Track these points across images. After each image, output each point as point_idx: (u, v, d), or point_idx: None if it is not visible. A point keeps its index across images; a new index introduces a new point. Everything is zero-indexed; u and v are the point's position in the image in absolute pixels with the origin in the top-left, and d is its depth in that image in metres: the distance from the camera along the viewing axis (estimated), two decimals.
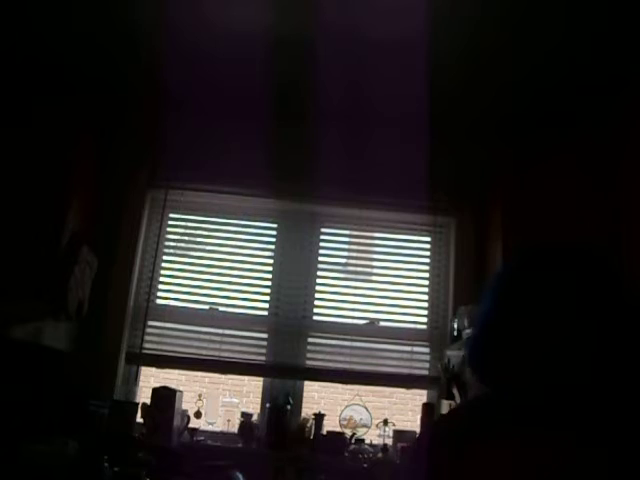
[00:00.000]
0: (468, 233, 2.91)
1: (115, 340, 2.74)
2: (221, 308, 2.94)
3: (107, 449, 2.24)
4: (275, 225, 3.05)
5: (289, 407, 2.68)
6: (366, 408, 2.86)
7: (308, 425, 2.70)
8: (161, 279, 2.95)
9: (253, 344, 2.89)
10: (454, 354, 2.66)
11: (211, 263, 2.99)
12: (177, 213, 3.03)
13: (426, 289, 2.99)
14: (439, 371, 2.71)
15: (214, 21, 2.31)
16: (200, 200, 3.01)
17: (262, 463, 2.51)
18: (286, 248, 2.99)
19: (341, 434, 2.71)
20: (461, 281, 2.86)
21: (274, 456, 2.56)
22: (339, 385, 3.14)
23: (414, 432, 2.72)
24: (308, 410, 2.83)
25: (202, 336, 2.87)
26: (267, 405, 2.71)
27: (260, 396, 2.89)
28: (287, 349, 2.86)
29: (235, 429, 2.73)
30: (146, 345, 2.82)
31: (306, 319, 2.92)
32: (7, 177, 2.36)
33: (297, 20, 2.26)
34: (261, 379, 2.94)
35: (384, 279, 3.01)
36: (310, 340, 2.90)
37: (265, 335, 2.90)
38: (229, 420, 2.84)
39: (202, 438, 2.71)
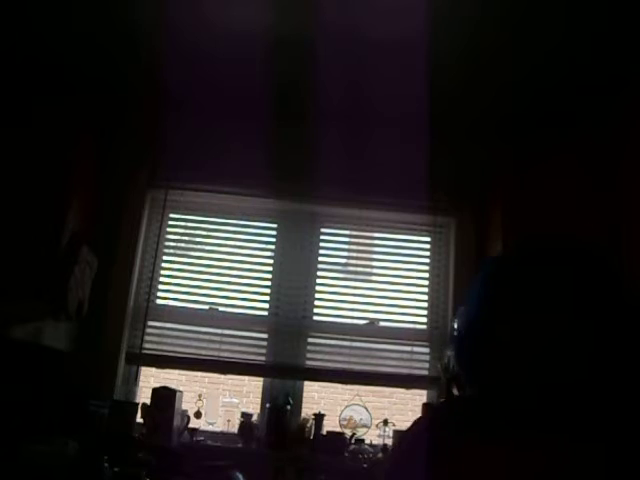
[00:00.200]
0: (468, 233, 2.91)
1: (115, 340, 2.74)
2: (221, 308, 2.94)
3: (107, 449, 2.24)
4: (275, 225, 3.05)
5: (289, 407, 2.68)
6: (366, 408, 2.86)
7: (308, 425, 2.70)
8: (161, 279, 2.95)
9: (253, 344, 2.89)
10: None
11: (211, 263, 2.99)
12: (177, 213, 3.03)
13: (426, 289, 2.99)
14: (439, 371, 2.71)
15: (214, 21, 2.31)
16: (200, 200, 3.01)
17: (262, 463, 2.51)
18: (286, 248, 2.99)
19: (341, 434, 2.71)
20: (461, 281, 2.86)
21: (274, 456, 2.56)
22: (339, 385, 3.14)
23: None
24: (308, 410, 2.83)
25: (202, 336, 2.86)
26: (267, 405, 2.71)
27: (260, 396, 2.89)
28: (287, 349, 2.85)
29: (235, 429, 2.73)
30: (146, 345, 2.82)
31: (306, 319, 2.92)
32: (7, 177, 2.36)
33: (297, 20, 2.26)
34: (261, 379, 2.94)
35: (384, 279, 3.01)
36: (310, 340, 2.90)
37: (265, 335, 2.90)
38: (229, 420, 2.84)
39: (202, 438, 2.71)
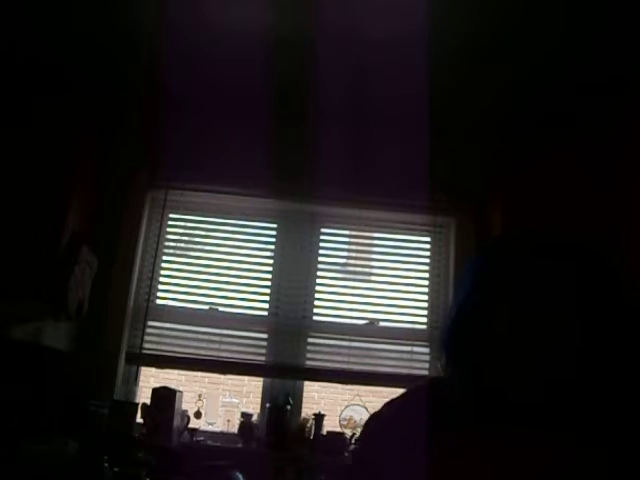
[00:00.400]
0: (468, 233, 2.91)
1: (115, 340, 2.74)
2: (221, 308, 2.94)
3: (107, 449, 2.24)
4: (275, 225, 3.05)
5: (289, 407, 2.68)
6: (366, 408, 2.86)
7: (308, 425, 2.70)
8: (161, 279, 2.95)
9: (253, 344, 2.88)
10: None
11: (211, 263, 2.99)
12: (177, 213, 3.03)
13: (426, 289, 2.99)
14: (439, 371, 2.70)
15: (214, 21, 2.31)
16: (200, 200, 3.01)
17: (262, 463, 2.51)
18: (286, 248, 2.99)
19: (341, 434, 2.71)
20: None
21: (274, 456, 2.56)
22: (339, 385, 3.14)
23: None
24: (308, 410, 2.83)
25: (202, 336, 2.86)
26: (267, 405, 2.71)
27: (260, 396, 2.89)
28: (287, 349, 2.85)
29: (235, 429, 2.73)
30: (146, 345, 2.82)
31: (306, 319, 2.92)
32: (7, 177, 2.36)
33: (297, 20, 2.26)
34: (261, 379, 2.94)
35: (384, 279, 3.00)
36: (310, 340, 2.90)
37: (265, 335, 2.90)
38: (229, 420, 2.84)
39: (202, 438, 2.71)
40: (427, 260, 3.03)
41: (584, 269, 0.89)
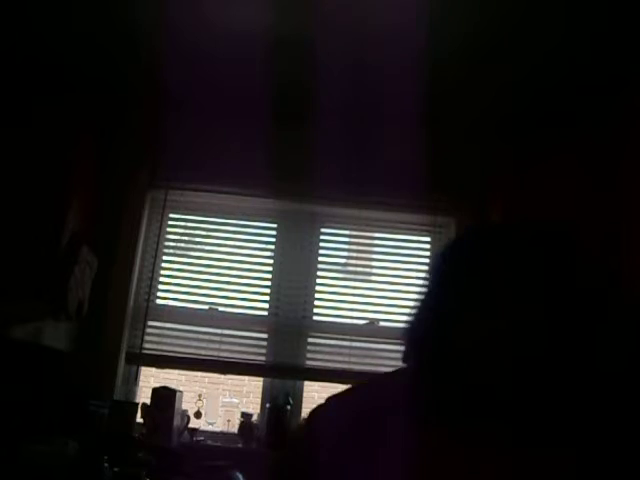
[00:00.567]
0: None
1: (115, 340, 2.74)
2: (221, 308, 2.94)
3: (107, 449, 2.24)
4: (275, 225, 3.05)
5: (289, 407, 2.68)
6: None
7: None
8: (161, 279, 2.95)
9: (253, 344, 2.88)
10: None
11: (211, 263, 2.99)
12: (177, 213, 3.03)
13: None
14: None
15: (214, 21, 2.31)
16: (200, 200, 3.01)
17: (262, 463, 2.51)
18: (286, 248, 2.99)
19: None
20: None
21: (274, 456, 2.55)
22: (339, 385, 3.14)
23: None
24: (308, 410, 2.82)
25: (202, 336, 2.86)
26: (267, 405, 2.71)
27: (260, 396, 2.89)
28: (287, 349, 2.85)
29: (235, 429, 2.73)
30: (146, 345, 2.82)
31: (306, 319, 2.92)
32: (7, 177, 2.36)
33: (297, 20, 2.26)
34: (261, 379, 2.94)
35: (384, 279, 3.00)
36: (310, 340, 2.90)
37: (265, 335, 2.90)
38: (229, 420, 2.84)
39: (202, 438, 2.71)
40: (427, 260, 3.03)
41: (551, 257, 0.88)
